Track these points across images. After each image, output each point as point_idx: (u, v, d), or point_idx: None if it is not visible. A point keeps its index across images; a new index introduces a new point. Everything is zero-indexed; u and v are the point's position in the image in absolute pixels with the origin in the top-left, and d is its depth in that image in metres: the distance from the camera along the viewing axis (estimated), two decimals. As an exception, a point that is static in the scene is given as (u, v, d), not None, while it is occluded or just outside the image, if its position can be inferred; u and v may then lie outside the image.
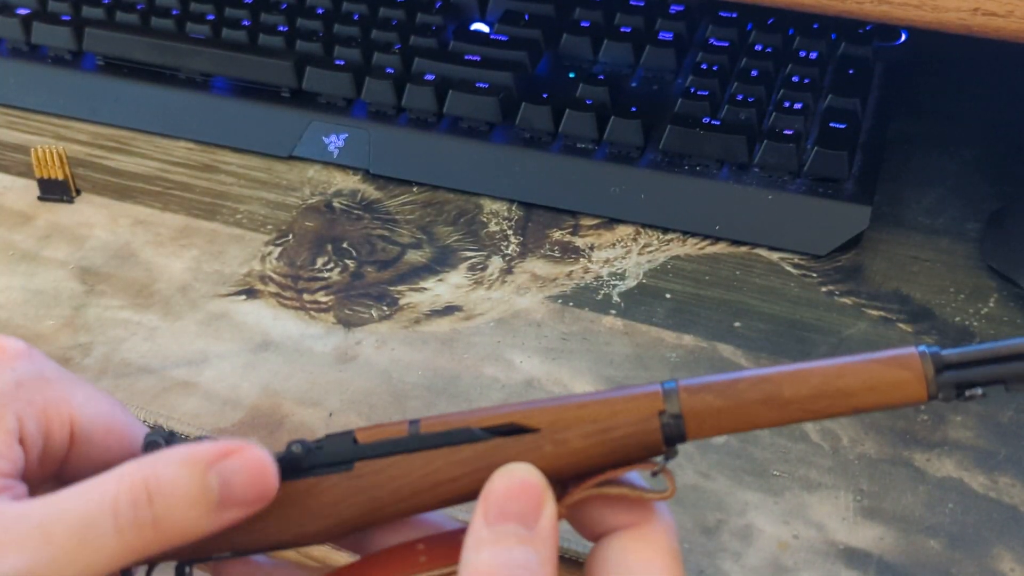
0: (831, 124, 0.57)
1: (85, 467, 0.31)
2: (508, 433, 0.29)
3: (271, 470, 0.29)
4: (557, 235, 0.57)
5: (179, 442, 0.30)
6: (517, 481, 0.28)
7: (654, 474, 0.29)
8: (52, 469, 0.32)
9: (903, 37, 0.65)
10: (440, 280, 0.54)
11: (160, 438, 0.31)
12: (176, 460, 0.28)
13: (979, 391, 0.28)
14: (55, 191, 0.60)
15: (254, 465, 0.29)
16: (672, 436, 0.28)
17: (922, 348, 0.28)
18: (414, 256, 0.56)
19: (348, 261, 0.55)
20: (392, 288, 0.54)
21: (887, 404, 0.28)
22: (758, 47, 0.62)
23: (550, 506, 0.28)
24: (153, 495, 0.28)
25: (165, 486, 0.28)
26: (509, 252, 0.56)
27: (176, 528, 0.28)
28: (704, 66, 0.61)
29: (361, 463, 0.29)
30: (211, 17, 0.66)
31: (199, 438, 0.31)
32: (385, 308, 0.53)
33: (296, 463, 0.30)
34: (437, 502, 0.30)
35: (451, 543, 0.30)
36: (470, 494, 0.29)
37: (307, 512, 0.30)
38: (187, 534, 0.28)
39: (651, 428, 0.28)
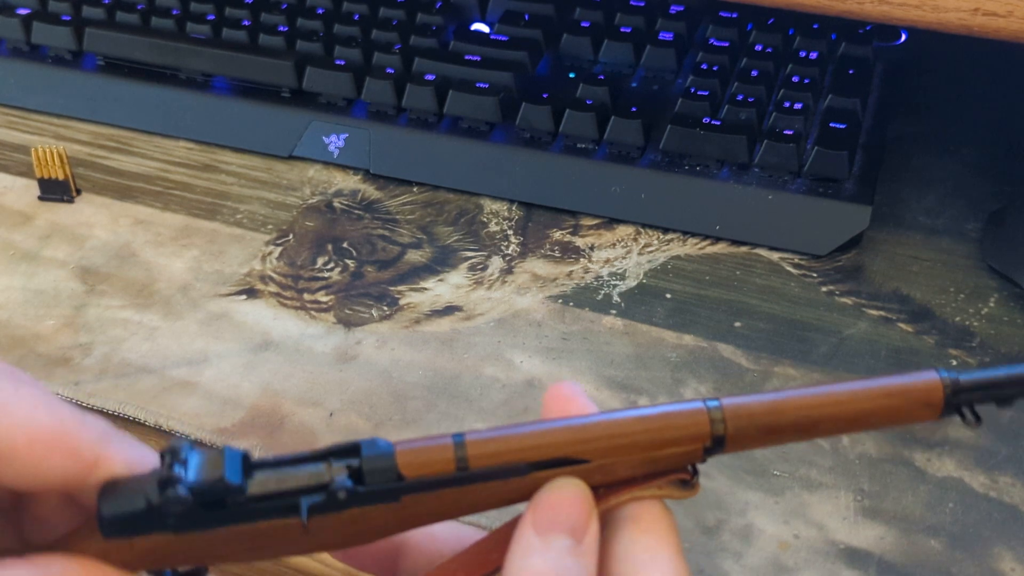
0: (831, 124, 0.57)
1: (27, 487, 0.28)
2: (558, 465, 0.29)
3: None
4: (557, 235, 0.57)
5: (199, 456, 0.28)
6: (568, 495, 0.28)
7: (685, 482, 0.29)
8: None
9: (903, 37, 0.65)
10: (440, 280, 0.54)
11: (179, 452, 0.28)
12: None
13: (973, 417, 0.29)
14: (55, 191, 0.60)
15: None
16: (711, 454, 0.29)
17: (943, 374, 0.29)
18: (414, 256, 0.56)
19: (348, 261, 0.55)
20: (392, 288, 0.54)
21: (902, 425, 0.31)
22: (758, 47, 0.62)
23: (596, 522, 0.28)
24: None
25: None
26: (509, 252, 0.56)
27: None
28: (704, 66, 0.61)
29: (408, 497, 0.29)
30: (211, 17, 0.66)
31: (221, 449, 0.28)
32: (385, 308, 0.53)
33: (338, 503, 0.28)
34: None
35: (480, 553, 0.30)
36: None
37: (346, 536, 0.29)
38: None
39: (696, 451, 0.29)
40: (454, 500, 0.29)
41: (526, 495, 0.29)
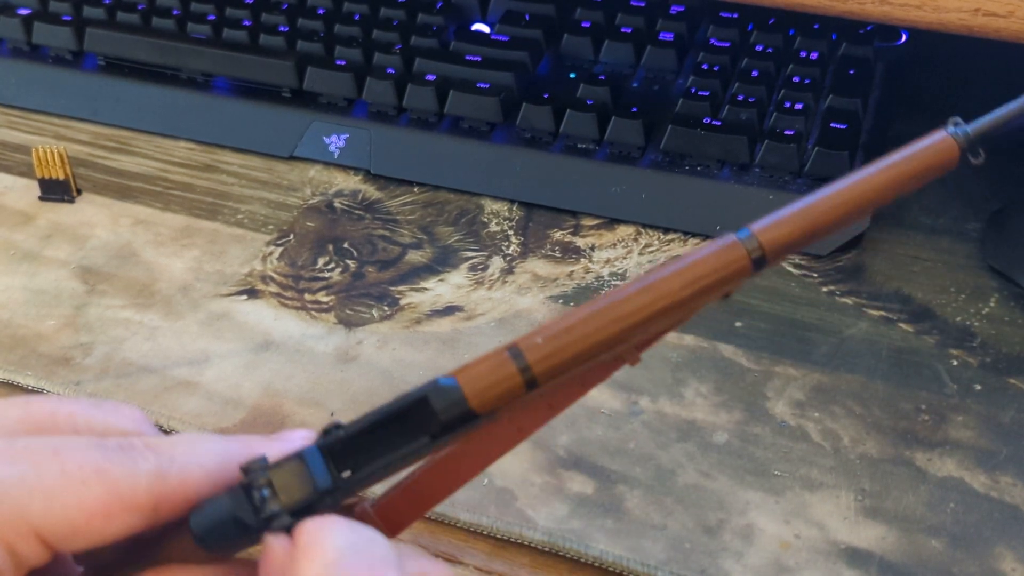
0: (832, 124, 0.57)
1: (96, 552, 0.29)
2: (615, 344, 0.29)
3: None
4: (558, 235, 0.57)
5: (282, 473, 0.27)
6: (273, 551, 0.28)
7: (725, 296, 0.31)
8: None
9: (904, 37, 0.65)
10: (441, 280, 0.54)
11: (259, 473, 0.27)
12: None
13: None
14: (56, 191, 0.60)
15: None
16: (757, 272, 0.30)
17: (952, 131, 0.30)
18: (415, 256, 0.56)
19: (349, 261, 0.55)
20: (393, 288, 0.54)
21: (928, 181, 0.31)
22: (759, 47, 0.62)
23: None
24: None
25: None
26: (510, 252, 0.56)
27: None
28: (705, 66, 0.61)
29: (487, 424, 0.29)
30: (212, 17, 0.66)
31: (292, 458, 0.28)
32: (386, 308, 0.53)
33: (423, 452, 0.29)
34: None
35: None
36: None
37: (448, 475, 0.31)
38: None
39: (740, 280, 0.30)
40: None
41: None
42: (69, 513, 0.28)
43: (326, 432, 0.28)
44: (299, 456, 0.28)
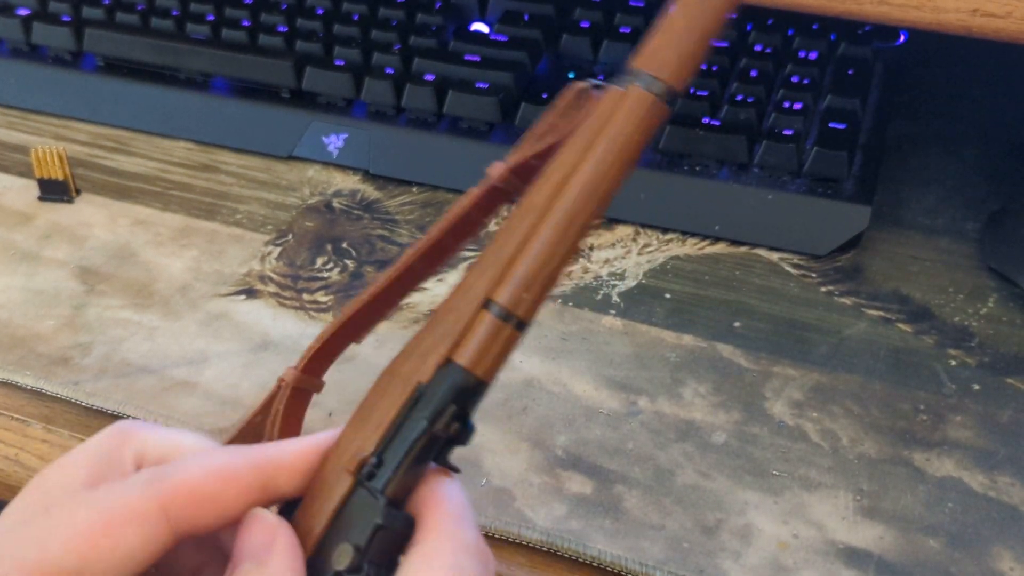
0: (831, 124, 0.57)
1: None
2: None
3: None
4: (557, 235, 0.57)
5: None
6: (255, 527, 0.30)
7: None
8: None
9: (903, 38, 0.65)
10: (440, 280, 0.54)
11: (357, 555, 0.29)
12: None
13: None
14: (55, 191, 0.60)
15: None
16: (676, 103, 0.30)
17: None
18: (414, 256, 0.56)
19: (348, 261, 0.55)
20: (392, 288, 0.54)
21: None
22: (758, 47, 0.62)
23: (286, 547, 0.29)
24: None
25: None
26: (509, 252, 0.56)
27: None
28: (704, 66, 0.61)
29: None
30: (211, 17, 0.66)
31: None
32: (385, 308, 0.53)
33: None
34: None
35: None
36: None
37: None
38: None
39: (662, 120, 0.30)
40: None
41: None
42: (70, 542, 0.28)
43: (371, 475, 0.30)
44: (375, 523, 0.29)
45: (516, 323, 0.29)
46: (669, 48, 0.29)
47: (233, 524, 0.30)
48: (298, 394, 0.35)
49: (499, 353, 0.30)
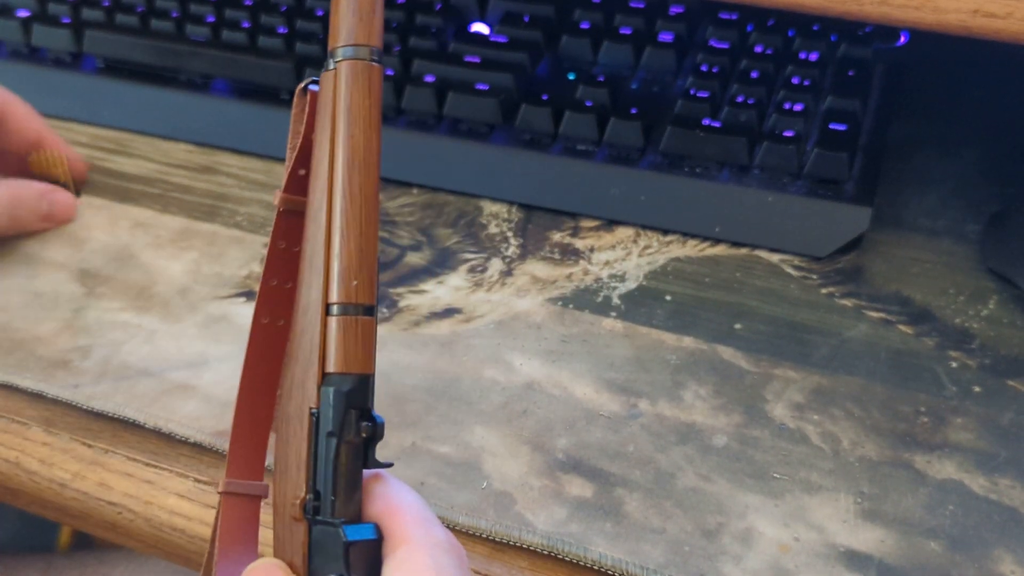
0: (831, 126, 0.57)
1: None
2: None
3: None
4: (557, 237, 0.57)
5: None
6: None
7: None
8: None
9: (903, 38, 0.65)
10: (440, 282, 0.54)
11: None
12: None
13: None
14: (55, 193, 0.60)
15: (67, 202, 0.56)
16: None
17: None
18: (413, 258, 0.56)
19: (348, 263, 0.55)
20: (392, 290, 0.54)
21: None
22: (758, 48, 0.62)
23: None
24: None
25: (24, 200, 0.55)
26: (509, 254, 0.56)
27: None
28: (704, 68, 0.61)
29: None
30: (211, 19, 0.66)
31: None
32: (385, 310, 0.53)
33: None
34: None
35: None
36: None
37: None
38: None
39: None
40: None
41: None
42: None
43: (316, 510, 0.31)
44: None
45: (362, 310, 0.30)
46: (347, 18, 0.31)
47: None
48: (235, 502, 0.35)
49: (362, 343, 0.30)
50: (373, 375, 0.31)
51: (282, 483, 0.31)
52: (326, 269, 0.31)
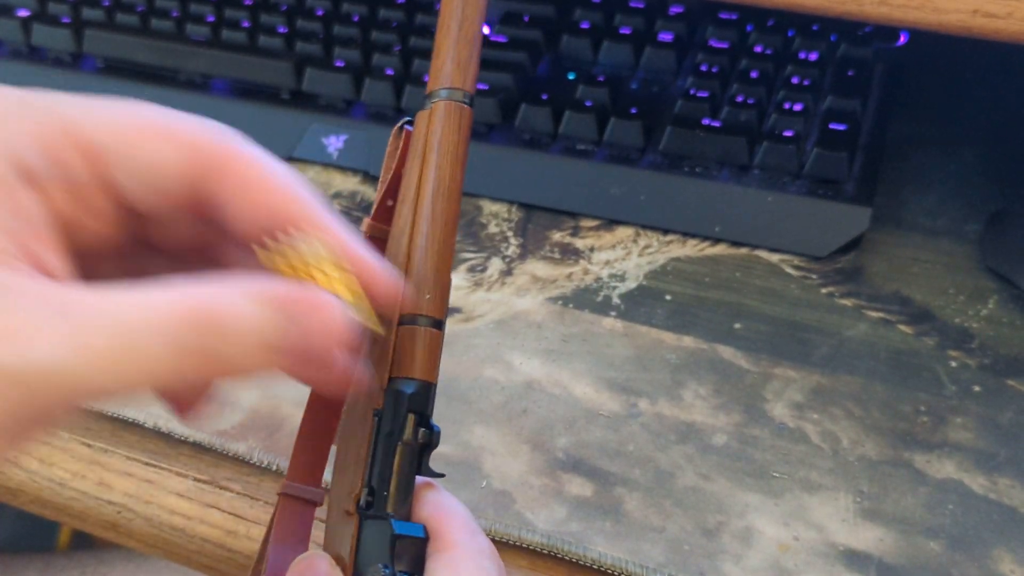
0: (831, 125, 0.57)
1: (144, 195, 0.27)
2: None
3: (342, 324, 0.27)
4: (557, 236, 0.57)
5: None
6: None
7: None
8: (100, 209, 0.27)
9: (903, 38, 0.65)
10: (440, 282, 0.54)
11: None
12: (250, 294, 0.25)
13: None
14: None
15: (326, 315, 0.26)
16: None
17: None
18: (414, 258, 0.56)
19: (348, 263, 0.55)
20: (392, 290, 0.54)
21: None
22: (758, 48, 0.62)
23: None
24: (217, 324, 0.25)
25: (230, 318, 0.25)
26: (509, 254, 0.56)
27: (231, 363, 0.25)
28: (704, 67, 0.61)
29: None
30: (211, 19, 0.66)
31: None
32: (385, 310, 0.53)
33: None
34: None
35: None
36: None
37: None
38: (240, 371, 0.25)
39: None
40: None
41: None
42: (116, 123, 0.26)
43: (368, 505, 0.31)
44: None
45: (431, 322, 0.32)
46: (446, 63, 0.35)
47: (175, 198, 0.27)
48: (291, 504, 0.35)
49: (429, 353, 0.32)
50: (435, 385, 0.32)
51: (339, 480, 0.33)
52: (427, 275, 0.33)
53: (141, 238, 0.29)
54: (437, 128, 0.34)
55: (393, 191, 0.36)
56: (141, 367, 0.23)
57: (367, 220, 0.37)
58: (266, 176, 0.28)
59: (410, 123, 0.36)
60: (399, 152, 0.36)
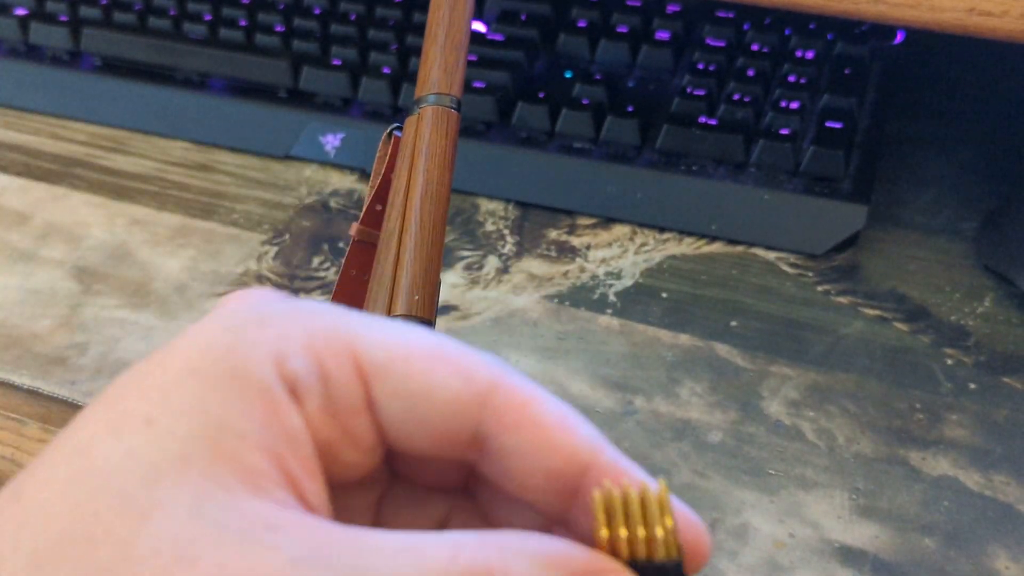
0: (828, 124, 0.57)
1: (408, 424, 0.22)
2: None
3: None
4: (553, 234, 0.57)
5: None
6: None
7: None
8: (361, 434, 0.23)
9: (900, 37, 0.65)
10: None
11: None
12: (530, 556, 0.20)
13: None
14: None
15: None
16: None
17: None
18: (411, 256, 0.56)
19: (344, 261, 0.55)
20: (388, 287, 0.54)
21: None
22: (755, 47, 0.62)
23: None
24: None
25: None
26: (505, 251, 0.56)
27: None
28: (701, 66, 0.61)
29: None
30: (208, 17, 0.66)
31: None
32: (381, 307, 0.53)
33: None
34: None
35: None
36: None
37: None
38: None
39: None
40: None
41: None
42: (391, 340, 0.22)
43: None
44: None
45: (419, 323, 0.32)
46: (433, 69, 0.36)
47: (440, 453, 0.23)
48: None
49: None
50: None
51: None
52: (392, 285, 0.33)
53: (389, 465, 0.25)
54: (425, 132, 0.35)
55: (382, 196, 0.36)
56: None
57: (356, 225, 0.37)
58: (553, 418, 0.23)
59: (399, 129, 0.36)
60: (388, 157, 0.36)
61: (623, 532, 0.21)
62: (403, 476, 0.25)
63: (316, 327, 0.22)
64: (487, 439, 0.23)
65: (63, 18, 0.67)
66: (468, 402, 0.22)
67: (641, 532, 0.21)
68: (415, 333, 0.23)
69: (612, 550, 0.21)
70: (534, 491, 0.23)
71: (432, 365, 0.22)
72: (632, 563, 0.21)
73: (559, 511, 0.23)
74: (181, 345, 0.22)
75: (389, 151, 0.37)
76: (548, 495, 0.23)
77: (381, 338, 0.22)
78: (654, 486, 0.22)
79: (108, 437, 0.20)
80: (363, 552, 0.20)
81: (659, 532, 0.21)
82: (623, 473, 0.22)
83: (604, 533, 0.21)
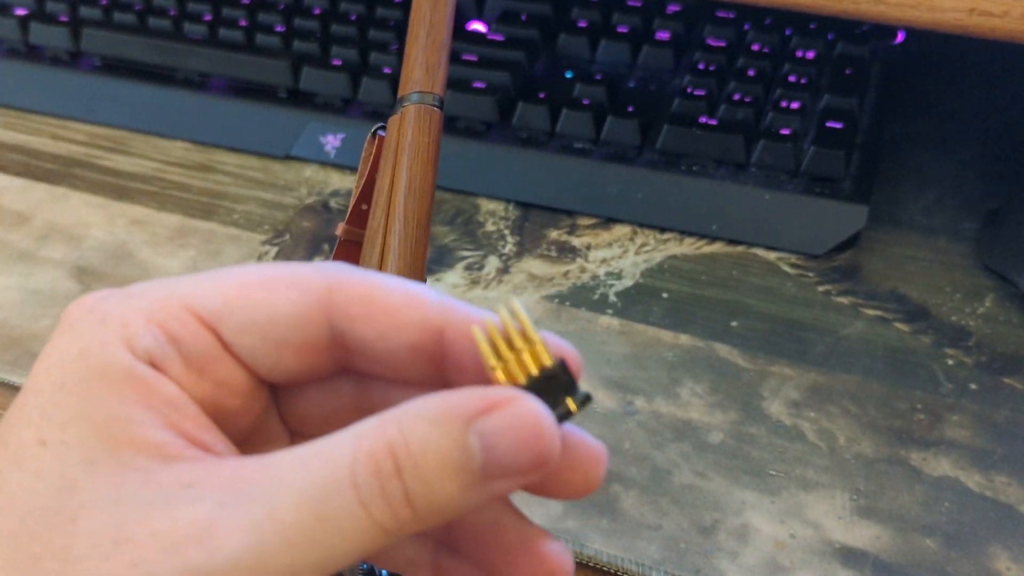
0: (828, 124, 0.57)
1: (266, 351, 0.24)
2: None
3: (548, 426, 0.22)
4: (554, 235, 0.57)
5: None
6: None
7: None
8: (239, 381, 0.24)
9: (900, 37, 0.65)
10: (437, 280, 0.54)
11: None
12: (426, 417, 0.21)
13: None
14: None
15: (526, 421, 0.22)
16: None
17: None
18: (411, 256, 0.56)
19: (345, 261, 0.55)
20: (389, 288, 0.54)
21: None
22: (755, 47, 0.62)
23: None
24: (401, 463, 0.21)
25: (415, 452, 0.21)
26: (506, 252, 0.56)
27: (431, 504, 0.21)
28: (701, 66, 0.61)
29: None
30: (208, 17, 0.66)
31: None
32: (382, 308, 0.53)
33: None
34: None
35: None
36: None
37: None
38: (444, 511, 0.22)
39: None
40: None
41: None
42: (221, 285, 0.24)
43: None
44: None
45: None
46: (415, 69, 0.36)
47: (400, 367, 0.24)
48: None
49: None
50: None
51: None
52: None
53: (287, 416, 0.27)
54: (408, 131, 0.35)
55: (367, 195, 0.36)
56: (334, 533, 0.21)
57: (342, 225, 0.37)
58: (396, 296, 0.24)
59: (383, 128, 0.36)
60: (372, 157, 0.36)
61: (510, 354, 0.23)
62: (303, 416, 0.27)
63: (150, 302, 0.23)
64: (344, 337, 0.24)
65: (63, 18, 0.67)
66: (311, 309, 0.24)
67: (523, 345, 0.23)
68: (244, 271, 0.24)
69: (508, 378, 0.23)
70: (407, 369, 0.24)
71: (267, 289, 0.24)
72: (526, 387, 0.23)
73: (437, 379, 0.25)
74: (41, 367, 0.23)
75: (373, 151, 0.37)
76: (421, 367, 0.24)
77: (212, 287, 0.24)
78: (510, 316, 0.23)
79: (13, 469, 0.22)
80: (275, 473, 0.21)
81: (538, 344, 0.23)
82: (475, 319, 0.24)
83: (493, 362, 0.23)
